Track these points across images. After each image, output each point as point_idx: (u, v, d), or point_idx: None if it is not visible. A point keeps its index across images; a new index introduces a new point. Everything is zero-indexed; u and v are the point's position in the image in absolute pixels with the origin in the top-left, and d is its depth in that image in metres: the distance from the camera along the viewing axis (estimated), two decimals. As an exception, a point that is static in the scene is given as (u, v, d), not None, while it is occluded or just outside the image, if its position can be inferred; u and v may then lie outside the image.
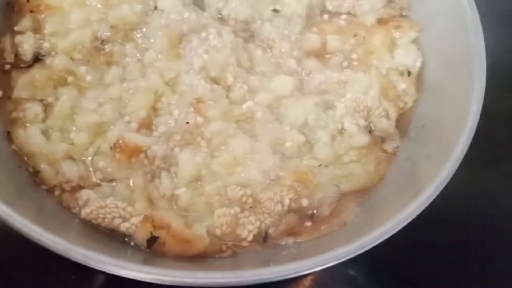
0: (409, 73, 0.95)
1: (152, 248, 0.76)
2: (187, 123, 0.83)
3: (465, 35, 0.87)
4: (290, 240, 0.79)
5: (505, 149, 1.02)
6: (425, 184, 0.75)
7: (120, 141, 0.80)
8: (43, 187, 0.79)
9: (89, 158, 0.81)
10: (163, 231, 0.76)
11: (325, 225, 0.80)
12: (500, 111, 0.98)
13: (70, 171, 0.79)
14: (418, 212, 0.72)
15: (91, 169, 0.81)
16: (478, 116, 0.80)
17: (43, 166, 0.80)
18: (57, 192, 0.79)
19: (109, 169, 0.80)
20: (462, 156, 0.77)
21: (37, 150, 0.81)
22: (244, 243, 0.79)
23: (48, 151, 0.81)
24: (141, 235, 0.76)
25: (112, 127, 0.83)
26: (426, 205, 0.73)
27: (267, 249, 0.79)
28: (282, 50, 0.94)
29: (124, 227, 0.77)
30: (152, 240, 0.76)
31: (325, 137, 0.87)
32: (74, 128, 0.83)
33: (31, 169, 0.80)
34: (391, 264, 0.91)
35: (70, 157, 0.81)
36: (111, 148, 0.80)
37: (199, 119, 0.84)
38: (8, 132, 0.83)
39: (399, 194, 0.82)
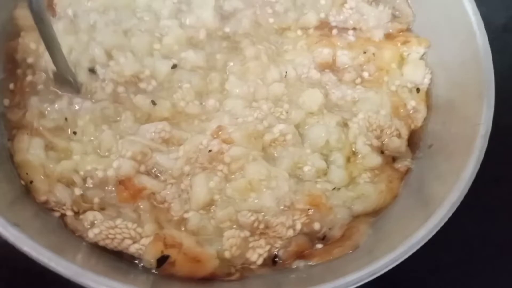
0: (417, 90, 0.94)
1: (162, 268, 0.74)
2: (210, 151, 0.82)
3: (473, 53, 0.86)
4: (301, 264, 0.78)
5: (508, 168, 1.02)
6: (435, 208, 0.74)
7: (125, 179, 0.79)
8: (38, 200, 0.77)
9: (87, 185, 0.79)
10: (174, 250, 0.74)
11: (337, 248, 0.78)
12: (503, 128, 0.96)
13: (62, 194, 0.77)
14: (428, 238, 0.72)
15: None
16: (487, 139, 0.79)
17: (38, 178, 0.78)
18: (58, 213, 0.77)
19: (109, 201, 0.79)
20: (471, 180, 0.76)
21: (35, 161, 0.79)
22: (253, 267, 0.77)
23: (45, 165, 0.79)
24: (151, 254, 0.74)
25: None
26: (436, 230, 0.73)
27: (277, 272, 0.77)
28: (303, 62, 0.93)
29: (134, 248, 0.75)
30: (163, 260, 0.74)
31: (340, 159, 0.85)
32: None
33: (23, 180, 0.78)
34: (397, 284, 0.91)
35: (67, 181, 0.79)
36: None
37: (224, 146, 0.82)
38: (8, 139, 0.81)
39: (410, 214, 0.81)
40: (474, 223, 0.95)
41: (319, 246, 0.80)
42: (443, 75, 0.94)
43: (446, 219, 0.74)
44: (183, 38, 0.91)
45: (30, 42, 0.87)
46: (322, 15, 0.99)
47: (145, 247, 0.75)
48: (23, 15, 0.88)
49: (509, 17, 1.20)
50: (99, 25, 0.89)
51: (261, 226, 0.78)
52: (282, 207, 0.80)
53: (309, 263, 0.78)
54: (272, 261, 0.78)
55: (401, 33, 0.99)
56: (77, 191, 0.78)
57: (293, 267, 0.78)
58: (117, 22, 0.90)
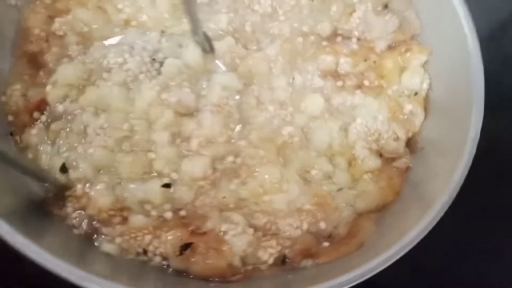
0: (415, 94, 0.97)
1: (183, 256, 0.78)
2: None
3: (464, 61, 0.90)
4: (308, 263, 0.82)
5: (490, 194, 1.04)
6: (427, 208, 0.79)
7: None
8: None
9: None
10: (198, 237, 0.79)
11: (343, 246, 0.82)
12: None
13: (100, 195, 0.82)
14: (422, 236, 0.76)
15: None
16: (477, 141, 0.84)
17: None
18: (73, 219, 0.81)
19: None
20: (461, 182, 0.81)
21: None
22: (264, 267, 0.81)
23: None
24: (175, 242, 0.79)
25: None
26: (429, 228, 0.77)
27: (286, 272, 0.81)
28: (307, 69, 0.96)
29: (153, 246, 0.80)
30: (185, 247, 0.79)
31: (343, 163, 0.90)
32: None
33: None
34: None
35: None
36: None
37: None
38: (11, 133, 0.86)
39: (408, 211, 0.85)
40: (458, 250, 1.00)
41: (326, 244, 0.84)
42: (440, 81, 0.98)
43: (438, 218, 0.78)
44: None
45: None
46: (335, 23, 1.00)
47: (171, 235, 0.79)
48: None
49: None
50: (90, 131, 0.86)
51: (273, 227, 0.83)
52: (293, 210, 0.84)
53: (317, 262, 0.82)
54: (281, 261, 0.82)
55: (404, 42, 1.01)
56: None
57: (301, 266, 0.82)
58: (108, 129, 0.86)
